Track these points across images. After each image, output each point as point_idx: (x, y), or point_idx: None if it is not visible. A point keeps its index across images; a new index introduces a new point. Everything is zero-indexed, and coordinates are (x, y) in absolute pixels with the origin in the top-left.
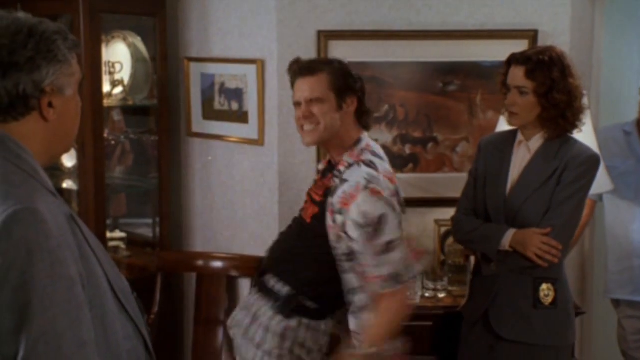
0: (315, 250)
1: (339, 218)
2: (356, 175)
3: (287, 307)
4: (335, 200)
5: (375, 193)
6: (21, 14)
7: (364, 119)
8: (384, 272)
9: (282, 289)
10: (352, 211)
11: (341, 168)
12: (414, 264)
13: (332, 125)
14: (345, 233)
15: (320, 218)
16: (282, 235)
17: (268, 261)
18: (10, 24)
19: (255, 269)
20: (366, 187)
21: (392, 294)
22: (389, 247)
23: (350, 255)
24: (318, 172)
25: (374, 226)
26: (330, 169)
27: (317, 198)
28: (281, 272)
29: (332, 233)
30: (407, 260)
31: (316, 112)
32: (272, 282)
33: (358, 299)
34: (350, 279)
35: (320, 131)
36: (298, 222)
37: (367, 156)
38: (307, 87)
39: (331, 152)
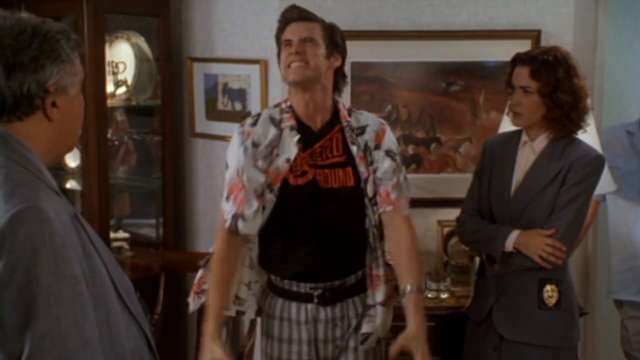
0: (358, 218)
1: (376, 154)
2: (370, 117)
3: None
4: (368, 140)
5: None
6: (24, 14)
7: (340, 83)
8: (405, 196)
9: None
10: (385, 142)
11: (347, 119)
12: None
13: (319, 67)
14: (372, 166)
15: (357, 175)
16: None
17: (320, 272)
18: (14, 24)
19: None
20: (386, 125)
21: (408, 217)
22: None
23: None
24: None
25: (399, 155)
26: (326, 129)
27: (342, 159)
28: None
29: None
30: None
31: (308, 51)
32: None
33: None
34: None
35: (309, 69)
36: (323, 199)
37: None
38: (303, 28)
39: (312, 99)
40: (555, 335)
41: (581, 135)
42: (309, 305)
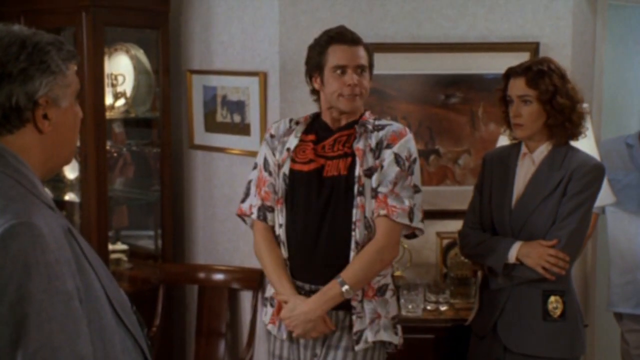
0: (350, 204)
1: (385, 152)
2: (396, 123)
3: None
4: (383, 137)
5: (414, 141)
6: (16, 27)
7: None
8: (406, 205)
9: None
10: (398, 146)
11: (370, 119)
12: (422, 221)
13: (366, 95)
14: (381, 166)
15: (353, 165)
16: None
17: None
18: (4, 36)
19: (259, 281)
20: (409, 134)
21: (396, 225)
22: (415, 189)
23: (376, 189)
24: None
25: (410, 164)
26: (344, 127)
27: (349, 151)
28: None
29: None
30: (421, 211)
31: (364, 82)
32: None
33: (359, 233)
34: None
35: (361, 101)
36: (321, 186)
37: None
38: (356, 54)
39: (343, 114)
40: (561, 346)
41: (580, 145)
42: None
